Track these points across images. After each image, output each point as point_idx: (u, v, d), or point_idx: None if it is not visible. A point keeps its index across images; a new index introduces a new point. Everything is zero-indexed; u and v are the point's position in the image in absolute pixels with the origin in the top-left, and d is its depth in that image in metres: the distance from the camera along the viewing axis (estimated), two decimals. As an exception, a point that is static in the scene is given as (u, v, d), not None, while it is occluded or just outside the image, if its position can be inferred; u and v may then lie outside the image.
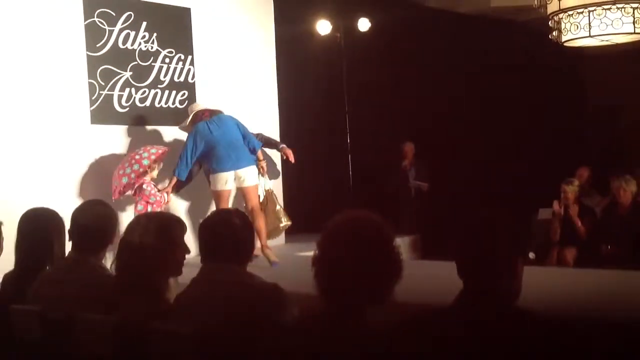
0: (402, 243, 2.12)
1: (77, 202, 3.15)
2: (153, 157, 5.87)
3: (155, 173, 5.95)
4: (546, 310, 2.05)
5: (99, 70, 6.26)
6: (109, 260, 3.24)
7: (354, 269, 1.97)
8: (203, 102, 6.58)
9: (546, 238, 6.80)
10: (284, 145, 7.01)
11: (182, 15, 6.91)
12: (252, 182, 6.07)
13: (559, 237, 6.72)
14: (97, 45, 6.27)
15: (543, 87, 11.06)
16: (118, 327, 2.53)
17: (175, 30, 6.86)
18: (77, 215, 3.03)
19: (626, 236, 6.21)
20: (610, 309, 3.71)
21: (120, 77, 6.41)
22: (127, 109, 6.47)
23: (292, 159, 6.82)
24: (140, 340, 2.45)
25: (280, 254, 6.71)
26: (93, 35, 6.24)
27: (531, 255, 6.52)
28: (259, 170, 6.26)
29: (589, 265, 6.00)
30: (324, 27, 8.34)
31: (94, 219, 3.00)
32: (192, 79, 6.94)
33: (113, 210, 3.14)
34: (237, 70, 7.27)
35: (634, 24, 6.43)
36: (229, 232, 2.57)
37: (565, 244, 6.67)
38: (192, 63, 6.94)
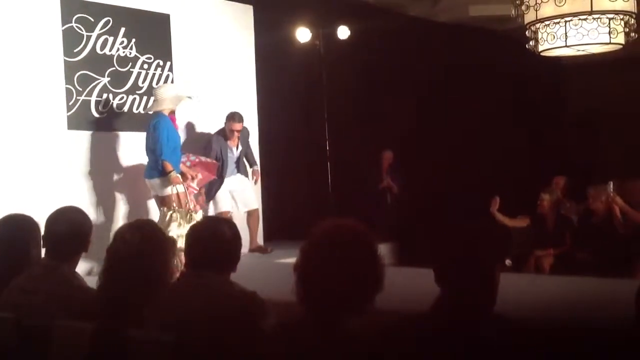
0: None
1: (53, 208, 3.10)
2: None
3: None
4: (522, 317, 2.07)
5: (76, 76, 6.21)
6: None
7: (336, 277, 1.97)
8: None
9: (523, 245, 6.86)
10: (257, 168, 7.24)
11: (161, 22, 6.89)
12: (162, 194, 5.94)
13: (536, 244, 6.78)
14: (75, 51, 6.22)
15: (522, 96, 11.17)
16: (96, 335, 2.51)
17: (154, 37, 6.82)
18: (51, 221, 3.00)
19: (601, 244, 6.28)
20: (585, 316, 3.75)
21: (98, 83, 6.36)
22: (105, 114, 6.42)
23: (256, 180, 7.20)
24: (118, 349, 2.42)
25: (260, 261, 6.70)
26: (71, 40, 6.19)
27: (508, 262, 6.57)
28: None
29: (565, 273, 6.05)
30: (303, 34, 8.35)
31: (69, 225, 2.97)
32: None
33: (88, 218, 3.10)
34: (217, 77, 7.25)
35: (609, 34, 6.52)
36: (217, 241, 2.57)
37: (542, 251, 6.73)
38: (171, 69, 6.91)
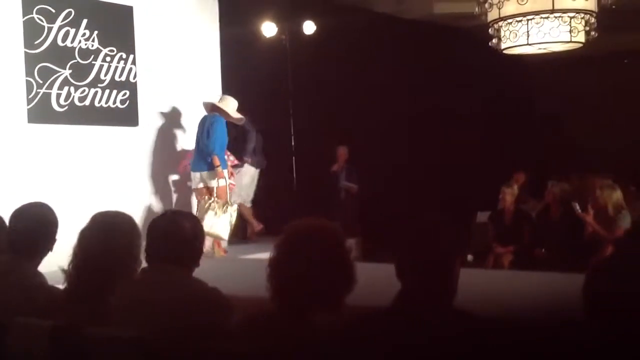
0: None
1: (13, 203, 3.04)
2: None
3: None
4: (482, 311, 2.10)
5: (36, 68, 6.09)
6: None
7: (310, 275, 2.02)
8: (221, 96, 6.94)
9: (483, 240, 6.96)
10: None
11: (124, 14, 6.79)
12: (214, 184, 6.44)
13: (494, 239, 6.89)
14: (35, 43, 6.09)
15: (485, 93, 11.29)
16: (54, 333, 2.47)
17: (117, 29, 6.72)
18: (15, 217, 2.94)
19: (558, 240, 6.40)
20: (542, 311, 3.81)
21: (59, 76, 6.25)
22: (66, 108, 6.31)
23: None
24: (78, 346, 2.40)
25: (223, 257, 6.66)
26: (31, 32, 6.07)
27: (470, 257, 6.66)
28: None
29: (524, 268, 6.16)
30: (269, 29, 8.32)
31: (33, 222, 2.91)
32: (133, 78, 6.82)
33: (54, 214, 3.03)
34: (181, 71, 7.18)
35: (570, 33, 6.64)
36: (176, 234, 2.53)
37: (503, 247, 6.83)
38: (134, 62, 6.82)
